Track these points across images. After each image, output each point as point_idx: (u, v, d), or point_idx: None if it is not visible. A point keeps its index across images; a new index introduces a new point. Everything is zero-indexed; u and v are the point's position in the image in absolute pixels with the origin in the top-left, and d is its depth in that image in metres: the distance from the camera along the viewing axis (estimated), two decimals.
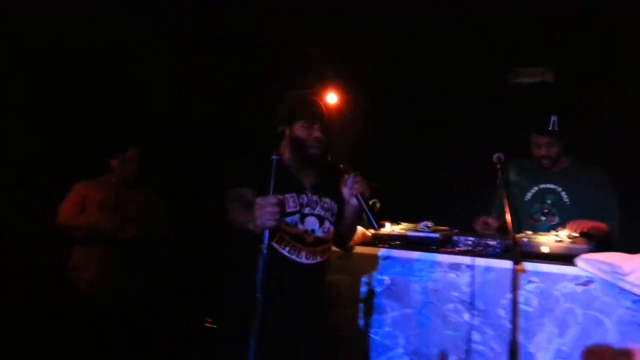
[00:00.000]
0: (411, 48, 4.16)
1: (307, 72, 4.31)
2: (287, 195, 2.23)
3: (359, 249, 2.80)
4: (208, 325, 4.03)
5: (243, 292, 2.14)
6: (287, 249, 2.23)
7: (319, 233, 2.32)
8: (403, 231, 2.87)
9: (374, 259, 2.74)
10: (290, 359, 2.23)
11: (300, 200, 2.29)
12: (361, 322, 2.76)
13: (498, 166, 2.55)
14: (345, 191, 2.31)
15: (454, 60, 4.15)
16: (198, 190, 4.25)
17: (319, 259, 2.32)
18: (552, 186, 3.00)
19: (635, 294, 2.13)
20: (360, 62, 4.31)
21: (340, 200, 2.39)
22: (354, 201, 2.30)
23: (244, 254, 2.19)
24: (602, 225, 2.74)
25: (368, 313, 2.73)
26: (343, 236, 2.53)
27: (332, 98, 4.53)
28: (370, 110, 4.52)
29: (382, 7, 3.65)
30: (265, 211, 1.91)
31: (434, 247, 2.69)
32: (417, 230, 2.84)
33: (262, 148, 2.28)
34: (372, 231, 2.88)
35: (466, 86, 4.24)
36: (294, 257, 2.24)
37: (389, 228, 2.93)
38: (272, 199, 1.92)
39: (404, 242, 2.81)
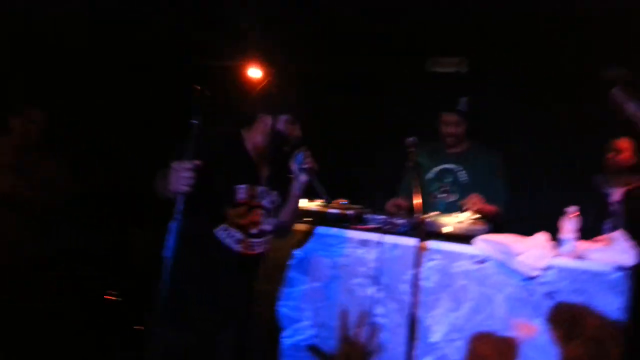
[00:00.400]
0: (338, 30, 4.20)
1: (233, 44, 4.25)
2: (240, 186, 2.20)
3: None
4: (110, 297, 3.94)
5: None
6: (229, 238, 2.21)
7: (263, 225, 2.33)
8: (318, 208, 2.93)
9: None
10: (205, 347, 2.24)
11: (252, 192, 2.26)
12: (272, 295, 2.80)
13: (410, 149, 2.66)
14: (295, 167, 2.33)
15: (376, 45, 4.25)
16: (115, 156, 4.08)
17: (257, 250, 2.33)
18: (451, 166, 3.24)
19: (523, 273, 2.32)
20: (287, 39, 4.30)
21: (285, 194, 2.40)
22: (303, 177, 2.34)
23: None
24: (491, 208, 3.00)
25: (279, 286, 2.78)
26: (285, 226, 2.52)
27: (254, 72, 4.49)
28: (292, 89, 4.53)
29: None
30: (179, 176, 1.89)
31: (346, 224, 2.78)
32: (331, 208, 2.90)
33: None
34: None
35: (387, 70, 4.36)
36: (233, 245, 2.23)
37: (304, 204, 2.97)
38: (186, 164, 1.90)
39: (319, 218, 2.86)
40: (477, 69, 4.18)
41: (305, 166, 2.31)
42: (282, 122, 2.28)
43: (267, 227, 2.35)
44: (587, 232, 2.51)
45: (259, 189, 2.30)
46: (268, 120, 2.28)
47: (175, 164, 1.92)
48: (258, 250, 2.32)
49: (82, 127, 4.05)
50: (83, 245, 4.06)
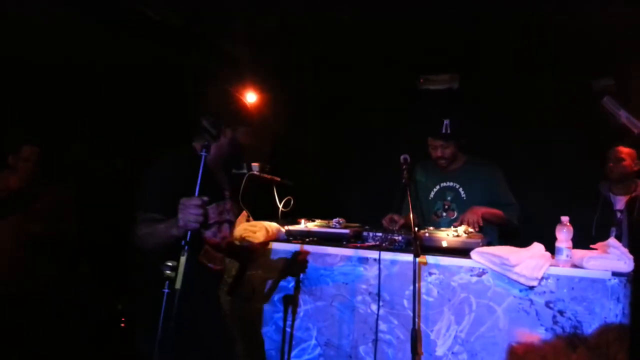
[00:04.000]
0: (329, 49, 4.28)
1: (229, 69, 4.32)
2: (210, 207, 2.17)
3: (273, 245, 2.87)
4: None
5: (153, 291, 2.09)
6: (205, 258, 2.24)
7: (230, 238, 2.39)
8: (316, 228, 2.97)
9: (288, 254, 2.81)
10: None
11: (220, 209, 2.28)
12: (275, 315, 2.83)
13: (404, 166, 2.71)
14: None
15: (370, 62, 4.32)
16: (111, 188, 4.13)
17: (223, 263, 2.38)
18: (451, 184, 3.25)
19: (521, 284, 2.35)
20: (281, 62, 4.37)
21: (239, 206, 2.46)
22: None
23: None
24: (494, 210, 3.02)
25: (286, 307, 2.80)
26: None
27: (251, 97, 4.56)
28: (288, 111, 4.60)
29: (303, 5, 3.72)
30: (189, 212, 1.89)
31: (344, 243, 2.81)
32: (329, 227, 2.94)
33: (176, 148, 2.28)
34: (287, 227, 2.96)
35: (380, 89, 4.43)
36: (210, 264, 2.26)
37: (303, 225, 3.02)
38: (196, 201, 1.91)
39: (317, 238, 2.91)
40: (470, 83, 4.25)
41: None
42: (243, 134, 2.32)
43: (230, 238, 2.41)
44: (592, 240, 2.53)
45: (225, 204, 2.33)
46: (227, 131, 2.29)
47: (184, 200, 1.92)
48: (220, 266, 2.36)
49: (82, 158, 4.10)
50: (89, 275, 4.09)
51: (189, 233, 1.93)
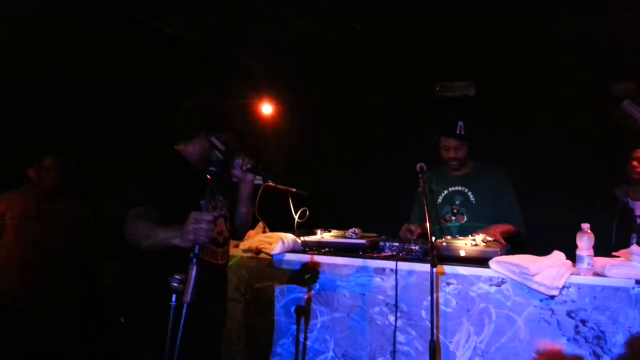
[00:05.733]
0: (343, 59, 4.29)
1: (244, 81, 4.35)
2: (201, 203, 2.13)
3: (289, 256, 2.86)
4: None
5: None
6: (208, 254, 2.26)
7: (227, 233, 2.40)
8: (333, 238, 2.95)
9: (304, 266, 2.81)
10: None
11: (213, 204, 2.31)
12: (293, 327, 2.82)
13: (420, 175, 2.69)
14: (238, 172, 2.37)
15: (384, 72, 4.32)
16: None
17: (226, 258, 2.42)
18: (460, 188, 3.23)
19: (542, 293, 2.30)
20: (296, 73, 4.40)
21: (231, 197, 2.46)
22: (249, 177, 2.38)
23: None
24: (507, 228, 2.99)
25: (299, 319, 2.79)
26: (240, 227, 2.56)
27: (267, 108, 4.59)
28: (304, 121, 4.62)
29: (317, 16, 3.73)
30: (199, 227, 1.89)
31: (361, 253, 2.79)
32: (345, 238, 2.93)
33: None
34: (303, 238, 2.95)
35: (394, 98, 4.43)
36: (213, 260, 2.30)
37: (319, 236, 3.01)
38: (208, 217, 1.91)
39: (334, 248, 2.89)
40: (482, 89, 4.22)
41: (248, 167, 2.35)
42: (223, 138, 2.31)
43: (228, 233, 2.41)
44: (612, 247, 2.48)
45: (217, 199, 2.35)
46: (204, 136, 2.31)
47: (196, 215, 1.91)
48: (223, 260, 2.38)
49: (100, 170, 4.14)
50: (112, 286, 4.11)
51: (197, 247, 1.92)
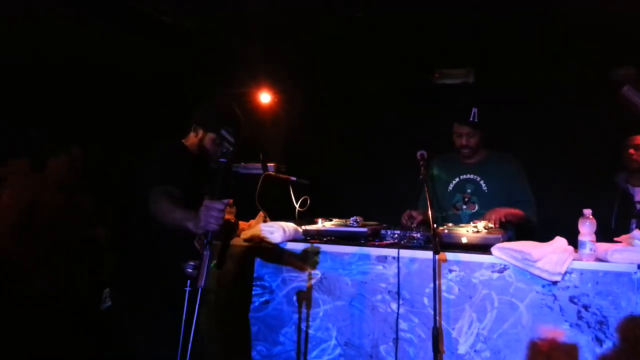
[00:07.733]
0: (342, 47, 4.26)
1: (242, 70, 4.32)
2: (211, 191, 2.22)
3: (290, 245, 2.86)
4: None
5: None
6: (200, 243, 2.28)
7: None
8: (334, 227, 2.95)
9: (305, 254, 2.81)
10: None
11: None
12: (295, 316, 2.82)
13: (421, 162, 2.68)
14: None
15: (384, 59, 4.29)
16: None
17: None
18: (471, 176, 3.20)
19: (544, 279, 2.31)
20: (294, 62, 4.37)
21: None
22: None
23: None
24: (515, 211, 2.96)
25: (301, 307, 2.80)
26: None
27: (265, 97, 4.56)
28: (303, 110, 4.60)
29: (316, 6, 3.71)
30: (211, 215, 1.94)
31: (362, 241, 2.79)
32: (347, 226, 2.92)
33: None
34: (304, 227, 2.94)
35: (394, 86, 4.40)
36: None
37: (320, 224, 3.00)
38: (219, 205, 1.96)
39: (335, 237, 2.89)
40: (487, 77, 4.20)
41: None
42: (210, 140, 2.46)
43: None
44: (611, 233, 2.48)
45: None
46: (199, 132, 2.48)
47: (207, 203, 1.96)
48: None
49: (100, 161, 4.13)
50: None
51: (210, 233, 1.98)
